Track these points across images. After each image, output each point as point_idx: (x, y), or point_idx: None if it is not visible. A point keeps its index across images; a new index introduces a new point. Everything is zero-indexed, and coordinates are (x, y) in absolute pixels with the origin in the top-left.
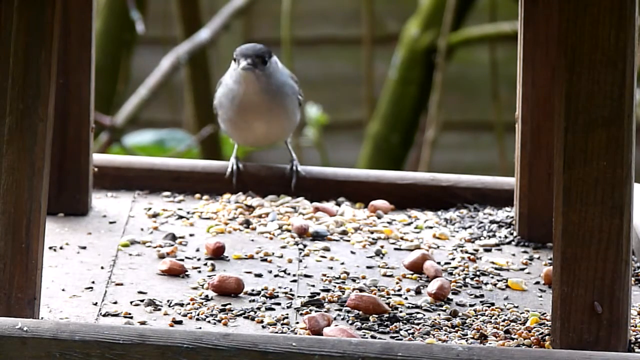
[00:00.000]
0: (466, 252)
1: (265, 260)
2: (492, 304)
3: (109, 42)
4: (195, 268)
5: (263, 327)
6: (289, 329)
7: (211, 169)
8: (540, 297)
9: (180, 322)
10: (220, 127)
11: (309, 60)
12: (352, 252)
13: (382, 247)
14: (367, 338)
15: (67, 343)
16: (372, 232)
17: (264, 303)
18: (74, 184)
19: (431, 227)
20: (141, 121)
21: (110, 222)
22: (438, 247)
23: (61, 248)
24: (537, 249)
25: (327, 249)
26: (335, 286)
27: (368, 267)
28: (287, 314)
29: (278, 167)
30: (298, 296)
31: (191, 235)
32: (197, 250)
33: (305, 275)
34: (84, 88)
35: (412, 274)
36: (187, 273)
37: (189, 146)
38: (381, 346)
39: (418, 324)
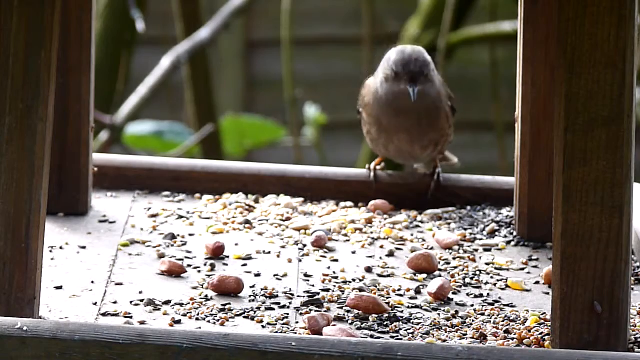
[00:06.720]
0: (466, 252)
1: (265, 260)
2: (492, 304)
3: (109, 42)
4: (195, 268)
5: (263, 327)
6: (288, 328)
7: (211, 169)
8: (540, 297)
9: (179, 322)
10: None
11: (309, 60)
12: (352, 252)
13: (382, 247)
14: (367, 338)
15: (66, 343)
16: (372, 232)
17: (263, 303)
18: (74, 184)
19: (431, 228)
20: (141, 120)
21: (110, 222)
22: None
23: (61, 248)
24: (537, 249)
25: (327, 249)
26: (335, 286)
27: (368, 267)
28: (287, 314)
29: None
30: (298, 296)
31: (191, 235)
32: (197, 250)
33: (305, 275)
34: (84, 88)
35: (412, 274)
36: (186, 273)
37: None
38: (381, 346)
39: (418, 324)
